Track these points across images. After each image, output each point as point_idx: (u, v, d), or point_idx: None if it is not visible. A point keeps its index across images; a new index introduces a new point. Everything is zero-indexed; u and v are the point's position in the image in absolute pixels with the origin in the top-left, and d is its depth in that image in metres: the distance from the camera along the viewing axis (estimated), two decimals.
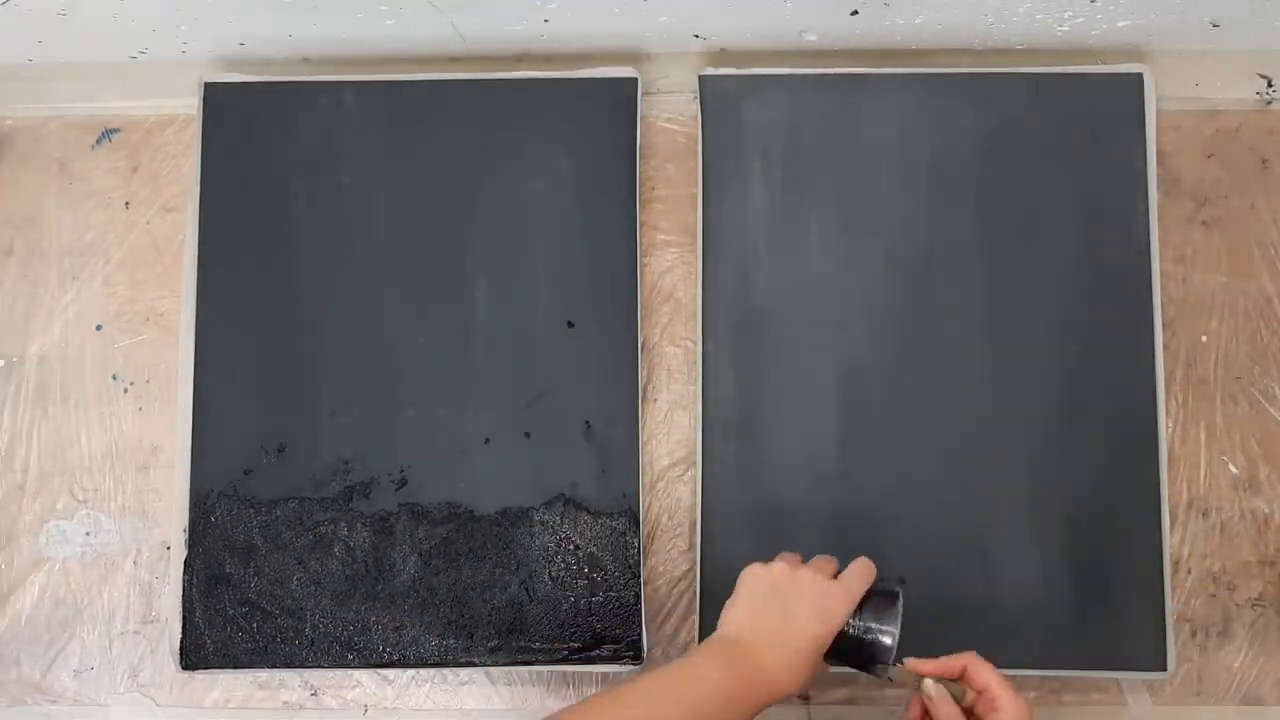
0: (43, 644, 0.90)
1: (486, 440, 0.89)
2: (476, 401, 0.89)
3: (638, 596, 0.86)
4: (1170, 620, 0.85)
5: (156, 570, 0.91)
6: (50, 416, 0.93)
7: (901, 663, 0.72)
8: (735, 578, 0.83)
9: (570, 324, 0.90)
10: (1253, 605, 0.88)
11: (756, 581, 0.74)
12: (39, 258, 0.95)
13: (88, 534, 0.92)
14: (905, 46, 0.94)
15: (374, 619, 0.87)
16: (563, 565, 0.87)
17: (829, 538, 0.86)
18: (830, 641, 0.71)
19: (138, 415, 0.93)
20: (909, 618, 0.73)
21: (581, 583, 0.87)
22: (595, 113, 0.92)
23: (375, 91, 0.92)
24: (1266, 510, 0.89)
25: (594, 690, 0.89)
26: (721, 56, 0.96)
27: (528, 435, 0.88)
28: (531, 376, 0.89)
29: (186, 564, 0.88)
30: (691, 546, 0.89)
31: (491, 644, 0.86)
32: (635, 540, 0.87)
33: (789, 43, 0.93)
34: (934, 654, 0.72)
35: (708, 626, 0.85)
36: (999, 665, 0.80)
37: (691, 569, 0.88)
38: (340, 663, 0.86)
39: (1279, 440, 0.90)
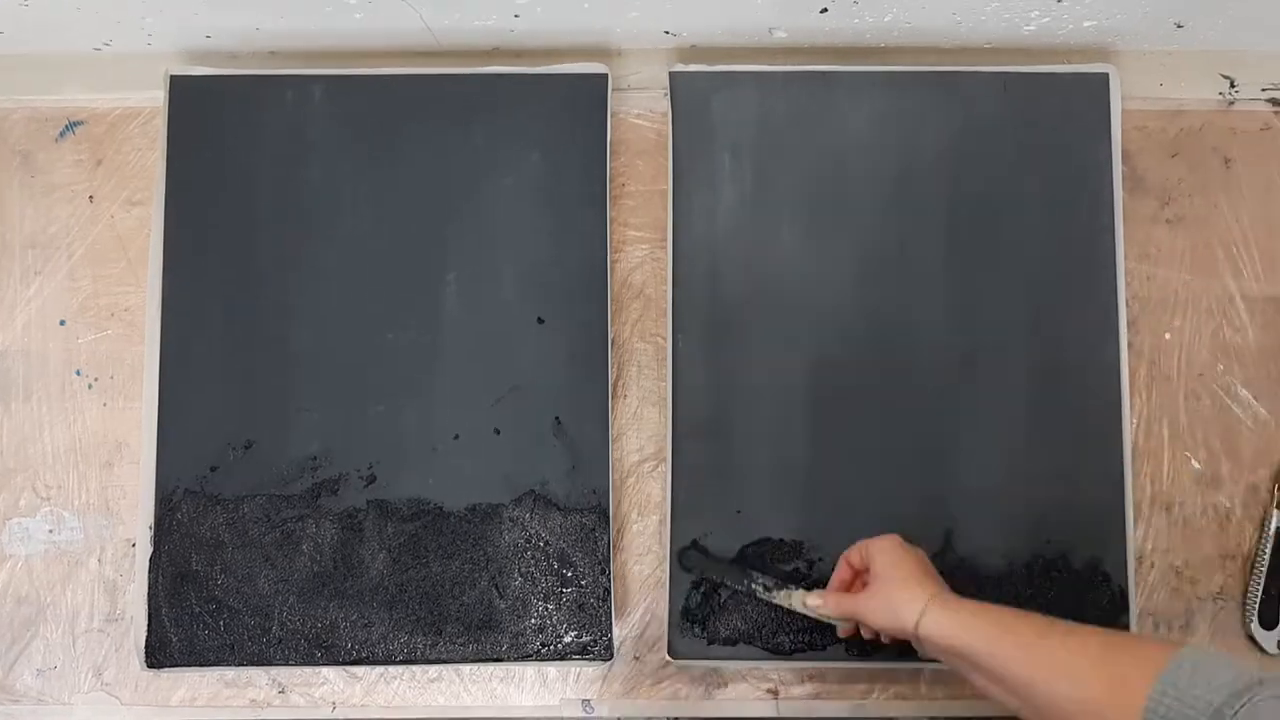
0: (5, 643, 0.89)
1: (456, 436, 0.88)
2: (445, 398, 0.89)
3: (608, 592, 0.86)
4: (1134, 613, 0.86)
5: (121, 568, 0.90)
6: (12, 412, 0.92)
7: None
8: (703, 574, 0.85)
9: (540, 320, 0.89)
10: (1214, 599, 0.89)
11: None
12: (1, 251, 0.94)
13: (50, 531, 0.90)
14: (874, 44, 0.94)
15: (342, 616, 0.86)
16: (532, 562, 0.87)
17: (798, 532, 0.87)
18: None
19: (102, 411, 0.92)
20: None
21: (551, 579, 0.87)
22: (565, 108, 0.91)
23: (343, 86, 0.92)
24: (1228, 505, 0.90)
25: (564, 687, 0.88)
26: (692, 53, 0.96)
27: (497, 431, 0.88)
28: (501, 372, 0.89)
29: (152, 561, 0.87)
30: (661, 542, 0.89)
31: (460, 641, 0.86)
32: (605, 536, 0.87)
33: (759, 40, 0.94)
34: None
35: (677, 623, 0.86)
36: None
37: (661, 565, 0.88)
38: (308, 660, 0.86)
39: (1240, 436, 0.91)
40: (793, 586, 0.84)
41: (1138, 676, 0.62)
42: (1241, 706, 0.58)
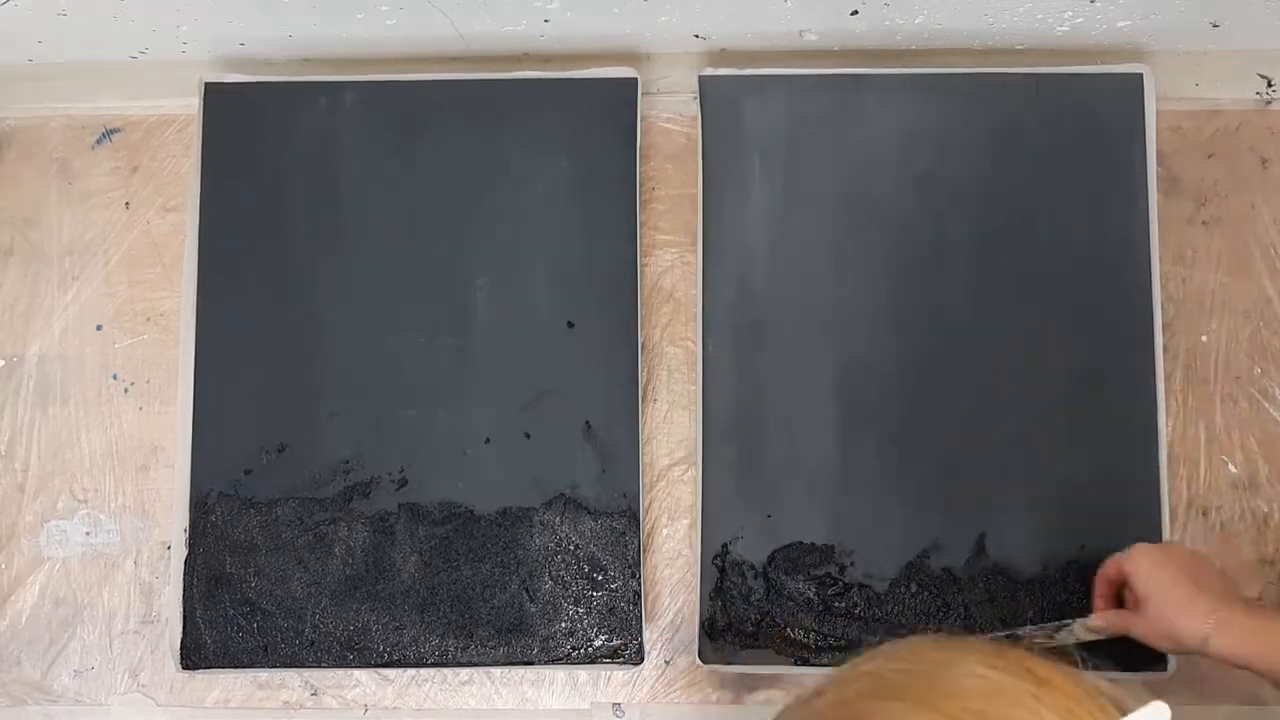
0: (43, 644, 0.90)
1: (486, 440, 0.89)
2: (476, 401, 0.89)
3: (638, 596, 0.86)
4: None
5: (156, 570, 0.91)
6: (50, 416, 0.93)
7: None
8: (733, 580, 0.85)
9: (570, 324, 0.90)
10: None
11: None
12: (39, 258, 0.95)
13: (88, 534, 0.92)
14: (905, 46, 0.94)
15: (374, 619, 0.87)
16: (563, 565, 0.87)
17: (829, 536, 0.86)
18: None
19: (138, 415, 0.93)
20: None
21: (581, 583, 0.87)
22: (595, 113, 0.91)
23: (375, 92, 0.92)
24: (1266, 510, 0.89)
25: (594, 690, 0.88)
26: (721, 56, 0.96)
27: (528, 435, 0.88)
28: (531, 376, 0.89)
29: (186, 564, 0.88)
30: (691, 546, 0.89)
31: (491, 644, 0.86)
32: (635, 540, 0.87)
33: (789, 43, 0.93)
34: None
35: (706, 625, 0.85)
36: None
37: (691, 569, 0.88)
38: (340, 662, 0.86)
39: (1278, 440, 0.90)
40: (1068, 621, 0.81)
41: None
42: None
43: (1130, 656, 0.84)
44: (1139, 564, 0.76)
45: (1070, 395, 0.87)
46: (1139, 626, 0.76)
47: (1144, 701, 0.45)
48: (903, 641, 0.49)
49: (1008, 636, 0.83)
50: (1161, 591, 0.74)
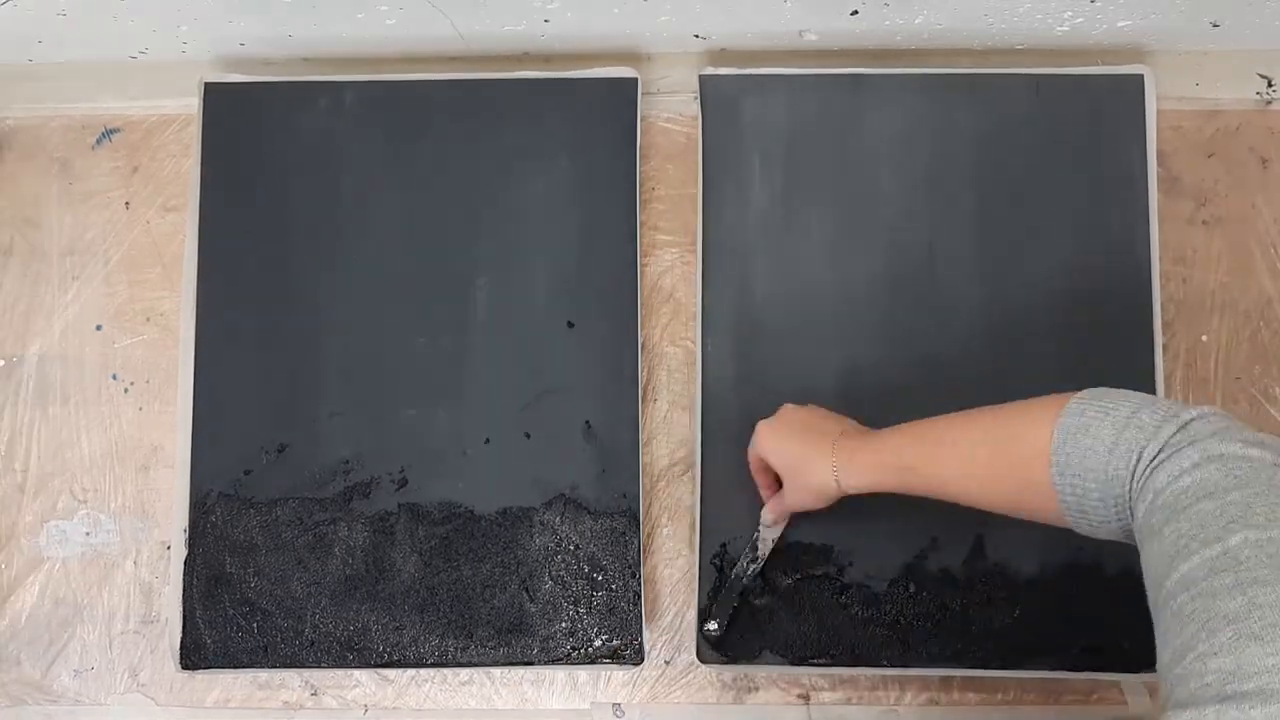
0: (43, 644, 0.90)
1: (486, 440, 0.89)
2: (476, 402, 0.89)
3: (638, 596, 0.86)
4: None
5: (156, 570, 0.91)
6: (50, 416, 0.93)
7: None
8: (733, 579, 0.85)
9: (570, 324, 0.90)
10: None
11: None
12: (39, 258, 0.95)
13: (88, 534, 0.92)
14: (905, 46, 0.94)
15: (374, 619, 0.87)
16: (563, 565, 0.87)
17: (828, 537, 0.86)
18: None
19: (138, 415, 0.93)
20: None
21: (581, 583, 0.87)
22: (595, 113, 0.92)
23: (375, 91, 0.92)
24: None
25: (594, 690, 0.89)
26: (721, 56, 0.95)
27: (528, 435, 0.88)
28: (531, 376, 0.89)
29: (186, 564, 0.88)
30: (691, 547, 0.89)
31: (491, 644, 0.86)
32: (635, 540, 0.87)
33: (789, 42, 0.93)
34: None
35: (705, 625, 0.85)
36: (998, 667, 0.82)
37: (691, 569, 0.88)
38: (340, 663, 0.86)
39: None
40: (756, 533, 0.85)
41: (1032, 455, 0.62)
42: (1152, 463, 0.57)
43: (1130, 657, 0.84)
44: (762, 440, 0.79)
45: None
46: (789, 498, 0.78)
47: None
48: None
49: (730, 585, 0.85)
50: (786, 454, 0.77)
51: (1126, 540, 0.60)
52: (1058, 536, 0.85)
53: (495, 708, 0.89)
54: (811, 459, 0.75)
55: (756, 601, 0.86)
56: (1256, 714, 0.45)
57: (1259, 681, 0.46)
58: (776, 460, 0.78)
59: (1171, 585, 0.52)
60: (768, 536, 0.85)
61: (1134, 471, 0.57)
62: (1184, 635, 0.50)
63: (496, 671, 0.89)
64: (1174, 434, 0.57)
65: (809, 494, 0.76)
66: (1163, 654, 0.51)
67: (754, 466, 0.82)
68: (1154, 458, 0.57)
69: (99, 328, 0.94)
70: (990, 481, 0.66)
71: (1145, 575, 0.55)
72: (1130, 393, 0.61)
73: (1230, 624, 0.48)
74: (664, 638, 0.89)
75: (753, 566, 0.85)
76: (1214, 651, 0.48)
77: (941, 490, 0.69)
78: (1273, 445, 0.55)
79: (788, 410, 0.80)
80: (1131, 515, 0.58)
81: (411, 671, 0.89)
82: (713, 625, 0.85)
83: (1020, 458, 0.63)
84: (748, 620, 0.86)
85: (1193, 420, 0.57)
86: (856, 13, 0.88)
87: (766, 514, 0.84)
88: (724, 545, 0.87)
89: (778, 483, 0.82)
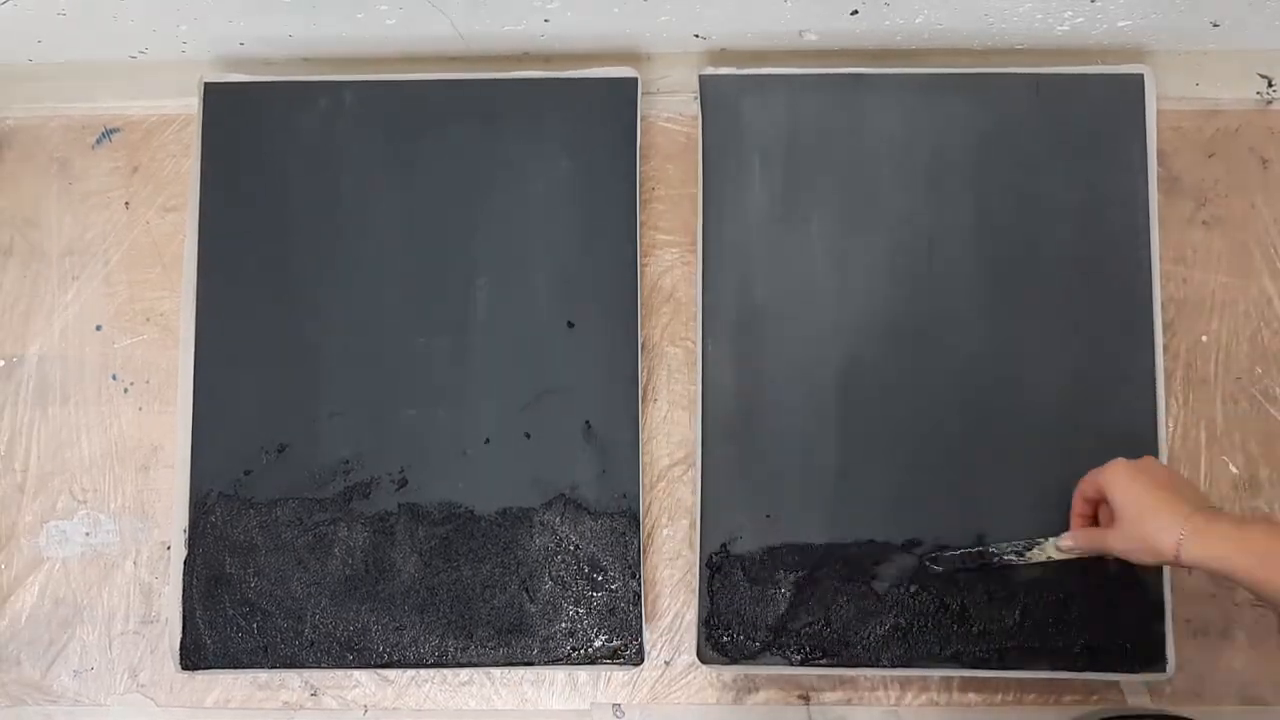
0: (42, 644, 0.90)
1: (486, 440, 0.89)
2: (476, 401, 0.89)
3: (638, 596, 0.86)
4: (1170, 621, 0.85)
5: (156, 570, 0.91)
6: (50, 416, 0.93)
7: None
8: (734, 578, 0.85)
9: (570, 324, 0.90)
10: (1253, 606, 0.88)
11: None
12: (39, 258, 0.95)
13: (87, 534, 0.92)
14: (905, 46, 0.94)
15: (374, 619, 0.87)
16: (563, 566, 0.87)
17: (829, 536, 0.86)
18: None
19: (137, 415, 0.93)
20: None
21: (581, 583, 0.87)
22: (595, 113, 0.91)
23: (375, 91, 0.92)
24: (1266, 510, 0.89)
25: (594, 690, 0.88)
26: (722, 56, 0.95)
27: (528, 435, 0.88)
28: (531, 376, 0.89)
29: (186, 564, 0.88)
30: (691, 547, 0.89)
31: (491, 644, 0.86)
32: (635, 540, 0.87)
33: (789, 42, 0.93)
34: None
35: (706, 626, 0.85)
36: (998, 667, 0.82)
37: (691, 569, 0.88)
38: (340, 663, 0.86)
39: (1279, 441, 0.90)
40: (1039, 540, 0.82)
41: None
42: None
43: (1130, 657, 0.84)
44: (1117, 475, 0.77)
45: (1070, 395, 0.87)
46: (1114, 541, 0.76)
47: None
48: None
49: (979, 552, 0.84)
50: (1137, 501, 0.75)
51: None
52: (1059, 535, 0.86)
53: (495, 708, 0.89)
54: (1163, 517, 0.73)
55: (756, 601, 0.86)
56: None
57: None
58: (1124, 501, 0.75)
59: None
60: (1051, 554, 0.82)
61: None
62: None
63: (496, 672, 0.89)
64: None
65: (1141, 548, 0.74)
66: None
67: (1085, 491, 0.80)
68: None
69: (99, 328, 0.94)
70: None
71: None
72: None
73: None
74: (664, 638, 0.89)
75: (1011, 559, 0.83)
76: None
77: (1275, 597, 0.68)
78: None
79: (1152, 461, 0.78)
80: None
81: (411, 672, 0.89)
82: (937, 568, 0.85)
83: None
84: (748, 621, 0.86)
85: None
86: (856, 13, 0.88)
87: (1071, 540, 0.80)
88: (724, 545, 0.87)
89: (1093, 519, 0.81)
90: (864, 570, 0.86)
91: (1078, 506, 0.81)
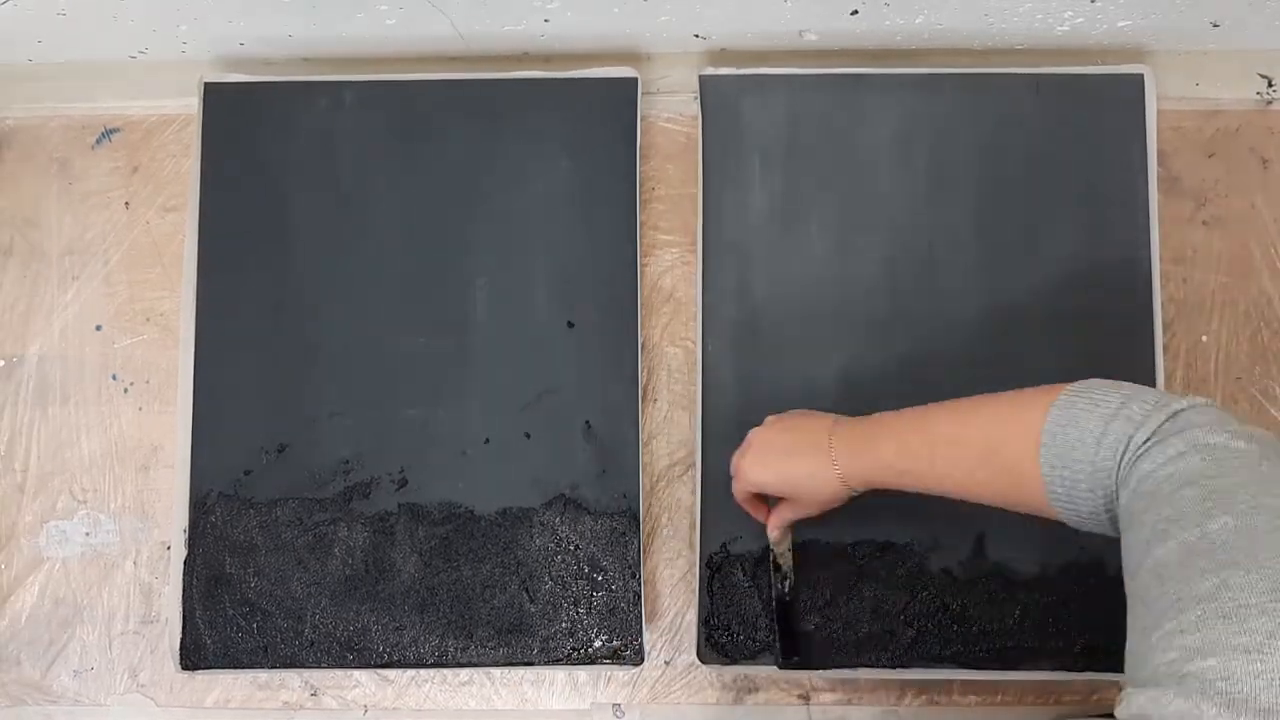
0: (42, 644, 0.90)
1: (486, 440, 0.89)
2: (476, 401, 0.89)
3: (638, 596, 0.86)
4: None
5: (156, 570, 0.91)
6: (50, 416, 0.93)
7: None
8: (734, 579, 0.86)
9: (570, 324, 0.90)
10: None
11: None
12: (39, 258, 0.95)
13: (87, 534, 0.92)
14: (905, 46, 0.94)
15: (374, 619, 0.87)
16: (563, 566, 0.87)
17: (828, 535, 0.86)
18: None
19: (137, 415, 0.93)
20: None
21: (582, 583, 0.87)
22: (595, 113, 0.91)
23: (375, 92, 0.92)
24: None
25: (594, 690, 0.88)
26: (722, 56, 0.95)
27: (528, 435, 0.88)
28: (531, 377, 0.89)
29: (186, 564, 0.88)
30: (691, 546, 0.89)
31: (491, 644, 0.86)
32: (635, 540, 0.87)
33: (789, 42, 0.93)
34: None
35: (706, 626, 0.85)
36: (999, 667, 0.82)
37: (691, 569, 0.88)
38: (340, 663, 0.86)
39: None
40: (769, 551, 0.84)
41: (1023, 450, 0.62)
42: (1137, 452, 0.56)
43: None
44: (745, 469, 0.77)
45: None
46: (797, 511, 0.77)
47: None
48: None
49: (776, 610, 0.84)
50: (783, 475, 0.75)
51: (1116, 534, 0.59)
52: (1058, 536, 0.85)
53: (495, 708, 0.89)
54: (813, 473, 0.73)
55: (756, 602, 0.86)
56: (1218, 688, 0.44)
57: (1222, 660, 0.45)
58: (775, 484, 0.76)
59: (1146, 570, 0.52)
60: (783, 551, 0.84)
61: (1120, 460, 0.57)
62: (1152, 614, 0.50)
63: (496, 672, 0.89)
64: (1162, 423, 0.56)
65: (817, 506, 0.76)
66: (1131, 638, 0.51)
67: (740, 498, 0.81)
68: (1140, 446, 0.57)
69: (99, 328, 0.94)
70: (984, 480, 0.66)
71: (1124, 562, 0.55)
72: (1122, 384, 0.61)
73: (1200, 603, 0.47)
74: (664, 638, 0.89)
75: (787, 583, 0.84)
76: (1180, 629, 0.47)
77: (937, 487, 0.69)
78: (1260, 438, 0.55)
79: (759, 434, 0.78)
80: (1116, 503, 0.58)
81: (411, 672, 0.89)
82: (794, 658, 0.84)
83: (1011, 453, 0.63)
84: (748, 621, 0.86)
85: (1182, 410, 0.57)
86: (856, 13, 0.88)
87: (772, 531, 0.82)
88: (724, 545, 0.87)
89: (766, 506, 0.81)
90: (864, 570, 0.86)
91: (750, 509, 0.82)
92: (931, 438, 0.68)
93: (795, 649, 0.84)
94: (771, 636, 0.85)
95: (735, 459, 0.79)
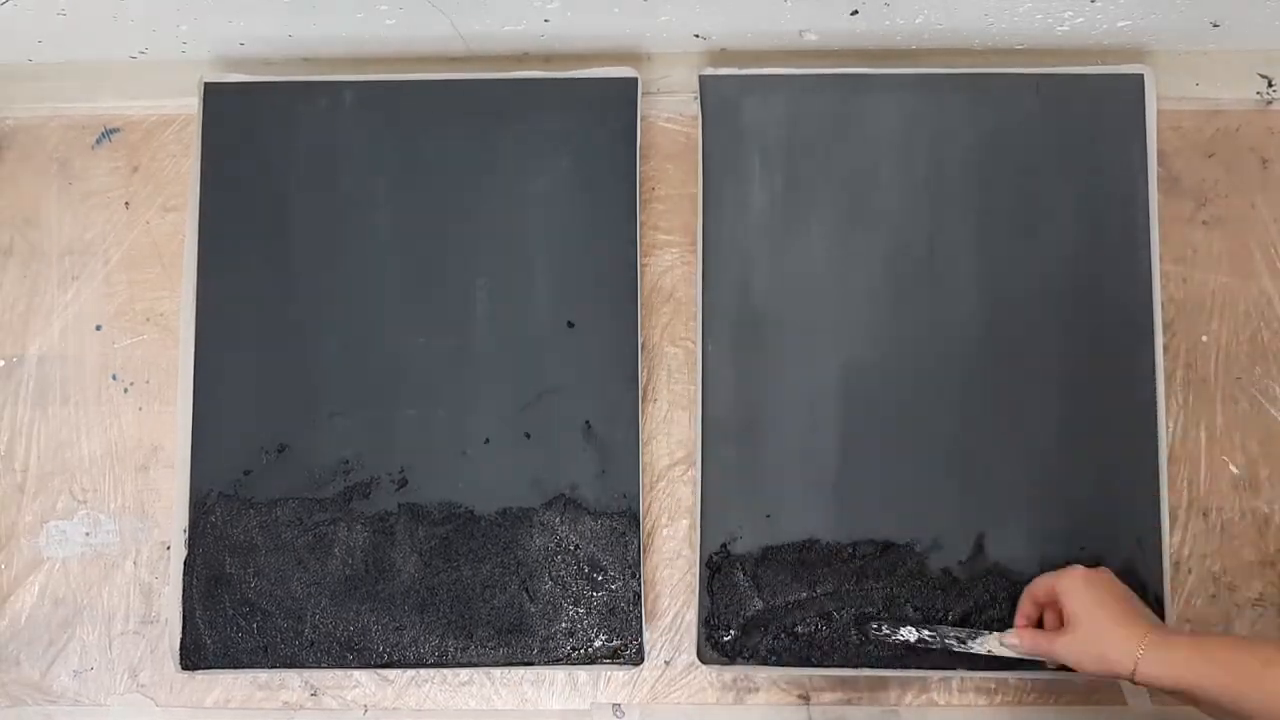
0: (42, 644, 0.90)
1: (486, 440, 0.89)
2: (476, 401, 0.89)
3: (638, 596, 0.86)
4: (1171, 621, 0.85)
5: (156, 570, 0.91)
6: (49, 416, 0.93)
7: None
8: (734, 579, 0.85)
9: (570, 324, 0.90)
10: (1253, 605, 0.88)
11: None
12: (39, 258, 0.95)
13: (87, 534, 0.92)
14: (905, 46, 0.94)
15: (374, 619, 0.87)
16: (563, 566, 0.87)
17: (829, 538, 0.86)
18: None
19: (137, 415, 0.93)
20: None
21: (581, 583, 0.87)
22: (595, 113, 0.91)
23: (375, 92, 0.92)
24: (1267, 510, 0.89)
25: (594, 690, 0.88)
26: (722, 56, 0.95)
27: (528, 435, 0.88)
28: (531, 376, 0.89)
29: (186, 564, 0.88)
30: (691, 546, 0.89)
31: (491, 644, 0.86)
32: (635, 540, 0.87)
33: (789, 42, 0.93)
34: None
35: (706, 626, 0.85)
36: (998, 667, 0.83)
37: (691, 569, 0.88)
38: (340, 663, 0.86)
39: (1279, 440, 0.90)
40: (985, 632, 0.82)
41: None
42: None
43: None
44: (1074, 584, 0.76)
45: (1070, 395, 0.87)
46: (1062, 649, 0.75)
47: None
48: None
49: (920, 639, 0.83)
50: (1093, 613, 0.74)
51: None
52: (1058, 536, 0.86)
53: (495, 708, 0.89)
54: (1119, 633, 0.72)
55: (756, 601, 0.86)
56: None
57: None
58: (1079, 612, 0.75)
59: None
60: (993, 648, 0.81)
61: None
62: None
63: (496, 672, 0.89)
64: None
65: (1093, 661, 0.73)
66: None
67: (1035, 593, 0.79)
68: None
69: (99, 328, 0.94)
70: None
71: None
72: None
73: None
74: (664, 638, 0.89)
75: (952, 644, 0.82)
76: None
77: (1242, 713, 0.68)
78: None
79: (1108, 574, 0.77)
80: None
81: (411, 672, 0.89)
82: (884, 633, 0.84)
83: None
84: (748, 621, 0.86)
85: None
86: (856, 13, 0.88)
87: (1015, 640, 0.79)
88: (724, 545, 0.87)
89: (1039, 621, 0.80)
90: (864, 570, 0.86)
91: (1025, 606, 0.81)
92: (1267, 672, 0.67)
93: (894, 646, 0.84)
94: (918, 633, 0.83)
95: (1074, 568, 0.78)
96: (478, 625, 0.86)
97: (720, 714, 0.88)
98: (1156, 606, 0.84)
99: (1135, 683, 0.72)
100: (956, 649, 0.82)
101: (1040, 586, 0.79)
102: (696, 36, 0.93)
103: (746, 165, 0.91)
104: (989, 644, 0.81)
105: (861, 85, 0.91)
